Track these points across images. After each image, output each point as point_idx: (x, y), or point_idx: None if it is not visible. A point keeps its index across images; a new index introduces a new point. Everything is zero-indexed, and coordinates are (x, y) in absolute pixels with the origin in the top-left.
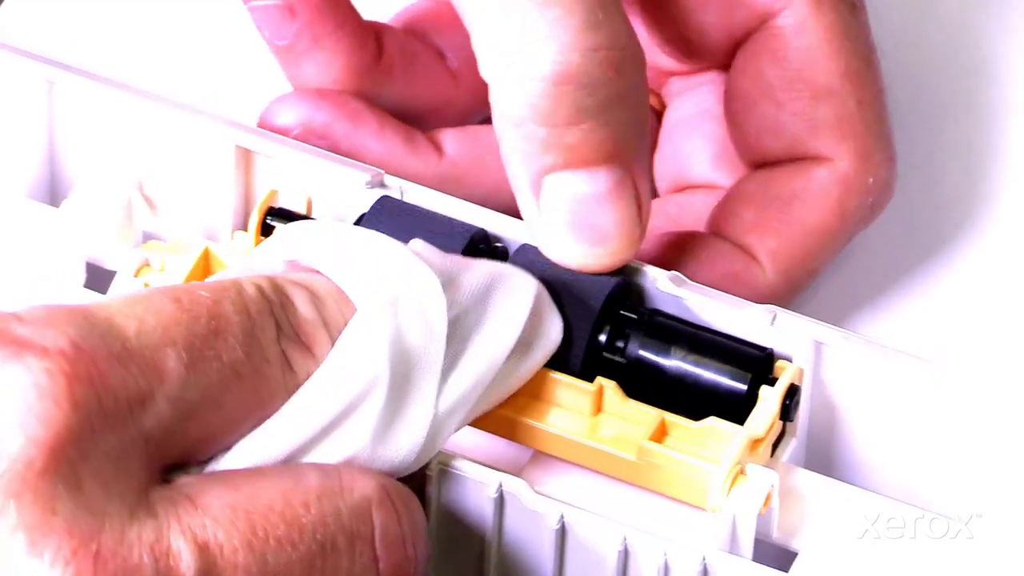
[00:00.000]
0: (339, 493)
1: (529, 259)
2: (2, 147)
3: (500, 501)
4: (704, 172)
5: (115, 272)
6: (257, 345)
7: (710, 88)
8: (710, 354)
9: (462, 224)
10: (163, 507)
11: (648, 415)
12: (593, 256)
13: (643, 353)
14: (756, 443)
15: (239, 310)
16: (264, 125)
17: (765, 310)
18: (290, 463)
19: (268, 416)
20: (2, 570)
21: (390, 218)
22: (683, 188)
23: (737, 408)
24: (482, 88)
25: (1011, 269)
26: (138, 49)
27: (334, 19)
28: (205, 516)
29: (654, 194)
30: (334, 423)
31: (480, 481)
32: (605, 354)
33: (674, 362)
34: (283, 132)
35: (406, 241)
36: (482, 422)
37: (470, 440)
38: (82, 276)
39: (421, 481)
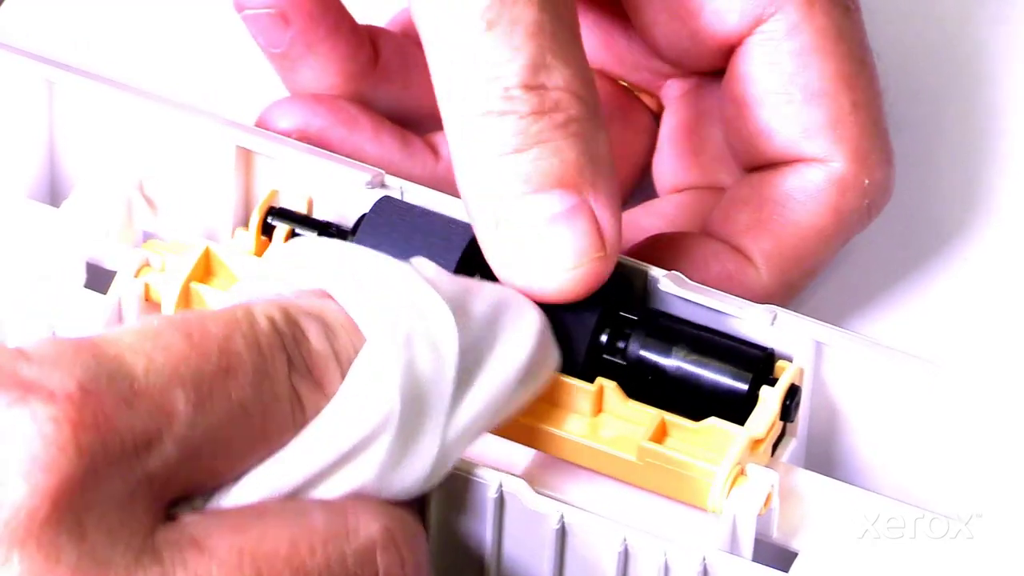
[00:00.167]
0: (344, 536)
1: None
2: (2, 147)
3: (500, 501)
4: (701, 173)
5: (115, 272)
6: (268, 382)
7: (707, 90)
8: (710, 354)
9: (462, 224)
10: (169, 552)
11: (648, 415)
12: (548, 278)
13: (643, 353)
14: (756, 443)
15: (250, 345)
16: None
17: (765, 310)
18: (297, 498)
19: (275, 451)
20: None
21: (391, 218)
22: (680, 189)
23: (737, 408)
24: None
25: (1009, 269)
26: (138, 49)
27: (328, 25)
28: (211, 562)
29: (653, 195)
30: (343, 459)
31: (480, 481)
32: (605, 355)
33: (674, 362)
34: None
35: (407, 242)
36: None
37: None
38: (82, 276)
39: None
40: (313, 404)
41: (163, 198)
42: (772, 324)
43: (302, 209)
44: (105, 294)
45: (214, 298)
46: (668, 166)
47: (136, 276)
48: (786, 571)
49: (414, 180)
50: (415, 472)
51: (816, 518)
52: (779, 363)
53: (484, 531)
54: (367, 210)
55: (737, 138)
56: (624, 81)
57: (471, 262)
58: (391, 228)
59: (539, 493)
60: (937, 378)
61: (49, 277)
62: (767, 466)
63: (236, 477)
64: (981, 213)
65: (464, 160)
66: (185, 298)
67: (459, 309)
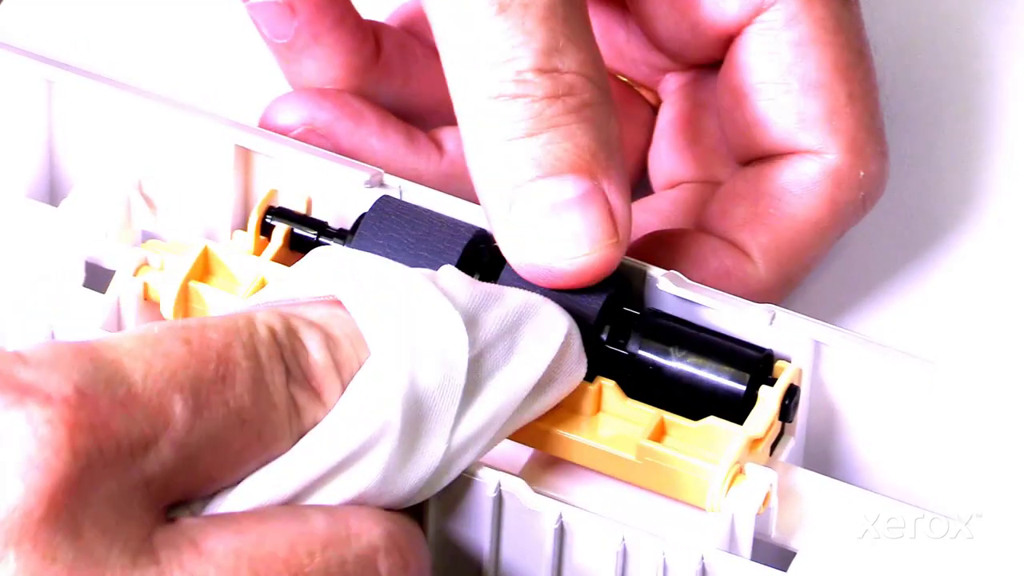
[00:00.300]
0: (345, 541)
1: None
2: (2, 147)
3: (499, 500)
4: (697, 167)
5: (115, 272)
6: (265, 391)
7: (704, 84)
8: (709, 354)
9: (462, 224)
10: (166, 553)
11: (647, 415)
12: (562, 263)
13: (643, 353)
14: (755, 443)
15: (249, 354)
16: (266, 124)
17: (764, 309)
18: (297, 504)
19: (273, 458)
20: None
21: (390, 218)
22: (676, 182)
23: (736, 408)
24: None
25: (1006, 264)
26: (137, 49)
27: (333, 17)
28: (208, 563)
29: (648, 191)
30: (341, 466)
31: (479, 480)
32: (605, 354)
33: (674, 362)
34: (285, 131)
35: (406, 241)
36: None
37: None
38: (82, 276)
39: None
40: (311, 413)
41: (162, 197)
42: (771, 324)
43: (301, 208)
44: (104, 293)
45: (213, 297)
46: (664, 158)
47: (135, 275)
48: (785, 570)
49: (419, 174)
50: (417, 478)
51: (815, 518)
52: (778, 363)
53: (482, 530)
54: (366, 209)
55: (733, 128)
56: (623, 76)
57: (471, 262)
58: (390, 228)
59: (538, 492)
60: (936, 378)
61: (48, 276)
62: (766, 466)
63: (234, 483)
64: (977, 207)
65: (476, 144)
66: (184, 297)
67: (475, 318)
